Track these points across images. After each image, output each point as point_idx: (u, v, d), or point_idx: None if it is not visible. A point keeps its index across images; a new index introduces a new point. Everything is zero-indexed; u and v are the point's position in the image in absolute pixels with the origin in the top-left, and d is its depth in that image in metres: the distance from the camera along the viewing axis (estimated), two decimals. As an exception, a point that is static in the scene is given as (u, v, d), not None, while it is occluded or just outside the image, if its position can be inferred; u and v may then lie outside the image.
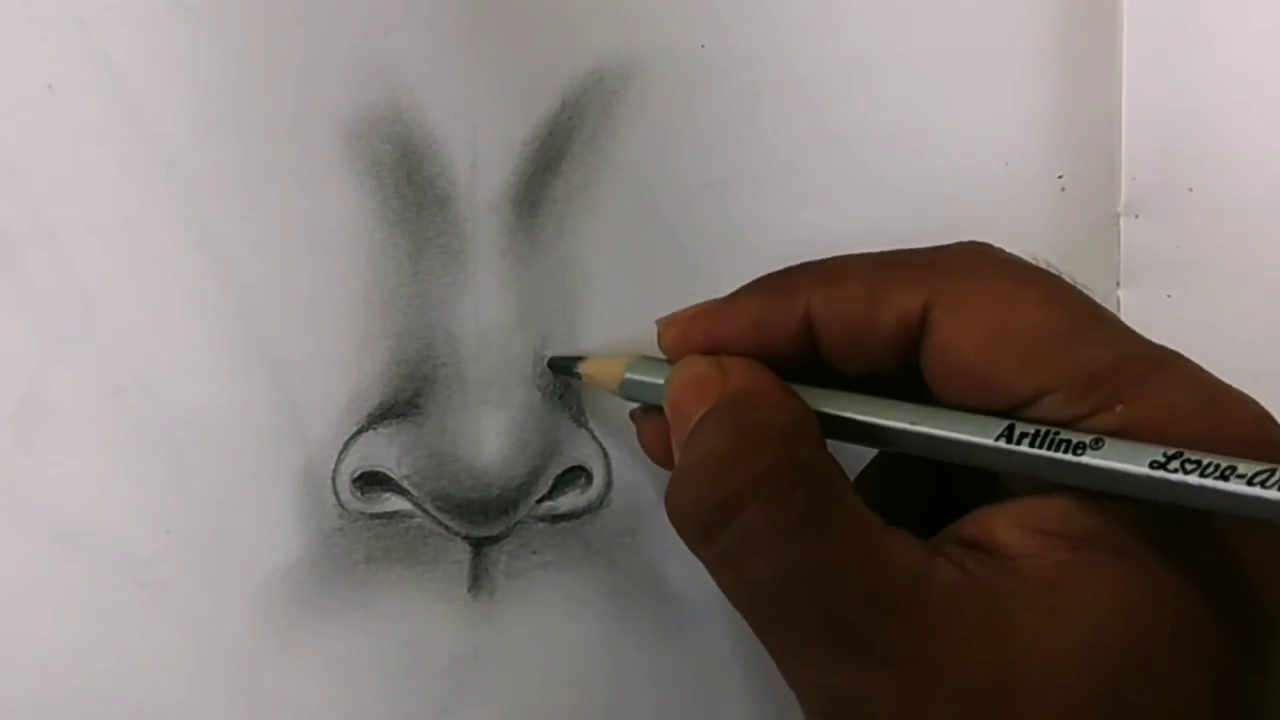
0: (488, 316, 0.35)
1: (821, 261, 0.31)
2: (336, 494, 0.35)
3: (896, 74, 0.38)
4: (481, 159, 0.35)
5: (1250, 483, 0.25)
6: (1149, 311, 0.39)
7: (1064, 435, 0.27)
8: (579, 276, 0.36)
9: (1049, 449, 0.27)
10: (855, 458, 0.32)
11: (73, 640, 0.34)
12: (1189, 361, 0.29)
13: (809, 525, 0.27)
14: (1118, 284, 0.40)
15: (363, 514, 0.35)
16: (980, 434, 0.28)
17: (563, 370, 0.35)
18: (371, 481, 0.35)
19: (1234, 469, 0.25)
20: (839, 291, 0.30)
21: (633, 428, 0.34)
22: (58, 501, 0.33)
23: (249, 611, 0.34)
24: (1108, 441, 0.26)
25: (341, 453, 0.35)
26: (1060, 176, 0.38)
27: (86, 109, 0.33)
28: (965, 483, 0.30)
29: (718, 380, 0.30)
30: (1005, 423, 0.28)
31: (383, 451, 0.35)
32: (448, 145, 0.35)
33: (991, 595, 0.26)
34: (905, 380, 0.30)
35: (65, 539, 0.33)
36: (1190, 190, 0.39)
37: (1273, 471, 0.25)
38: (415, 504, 0.35)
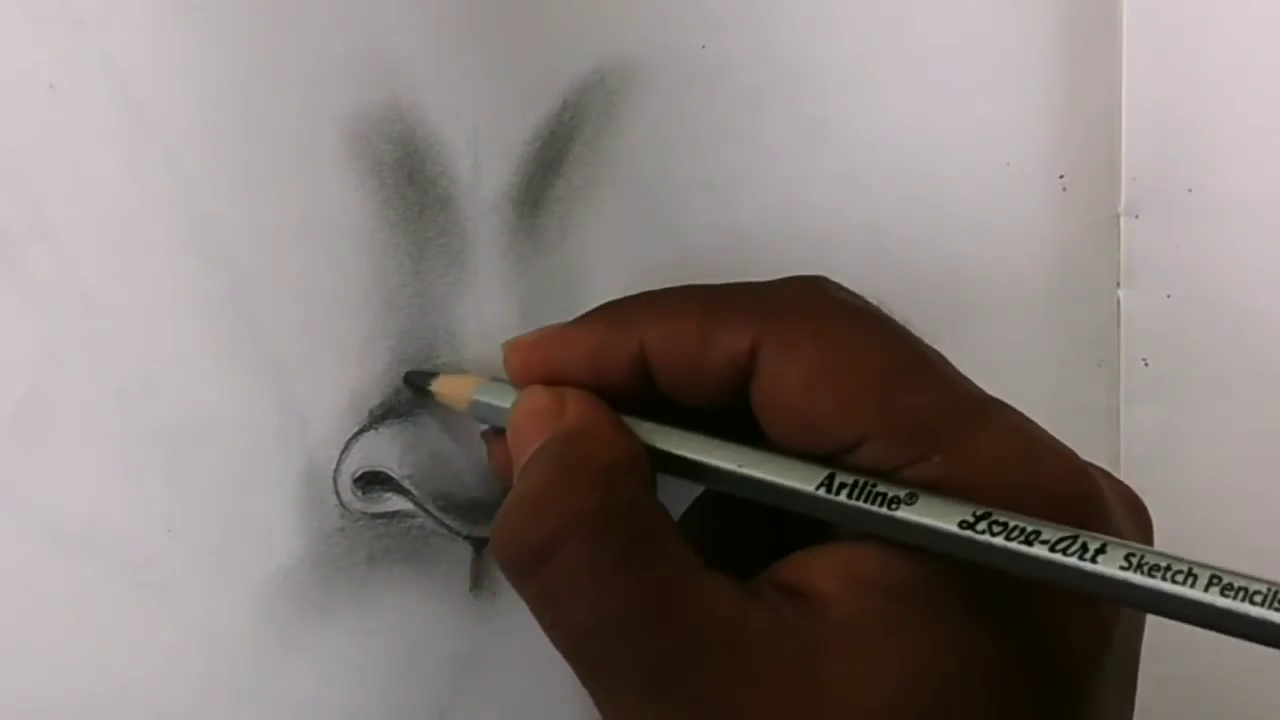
0: (489, 316, 0.35)
1: (658, 293, 0.31)
2: (338, 494, 0.35)
3: (896, 74, 0.38)
4: (483, 159, 0.35)
5: (1053, 549, 0.25)
6: (1149, 311, 0.39)
7: (880, 488, 0.27)
8: (580, 276, 0.36)
9: (865, 501, 0.27)
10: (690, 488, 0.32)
11: (73, 640, 0.34)
12: (1012, 411, 0.29)
13: (624, 569, 0.27)
14: (1118, 284, 0.40)
15: (364, 514, 0.35)
16: (802, 481, 0.28)
17: (416, 386, 0.35)
18: (373, 481, 0.35)
19: (1038, 534, 0.25)
20: (672, 327, 0.30)
21: None
22: (58, 501, 0.33)
23: (250, 611, 0.34)
24: (921, 497, 0.27)
25: (343, 453, 0.35)
26: (1061, 176, 0.39)
27: (87, 109, 0.32)
28: (794, 521, 0.30)
29: (554, 413, 0.30)
30: (826, 471, 0.28)
31: (384, 451, 0.35)
32: (449, 145, 0.35)
33: (804, 642, 0.26)
34: (740, 414, 0.30)
35: (65, 539, 0.33)
36: (1190, 190, 0.39)
37: (1074, 538, 0.25)
38: (417, 504, 0.35)
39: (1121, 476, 0.37)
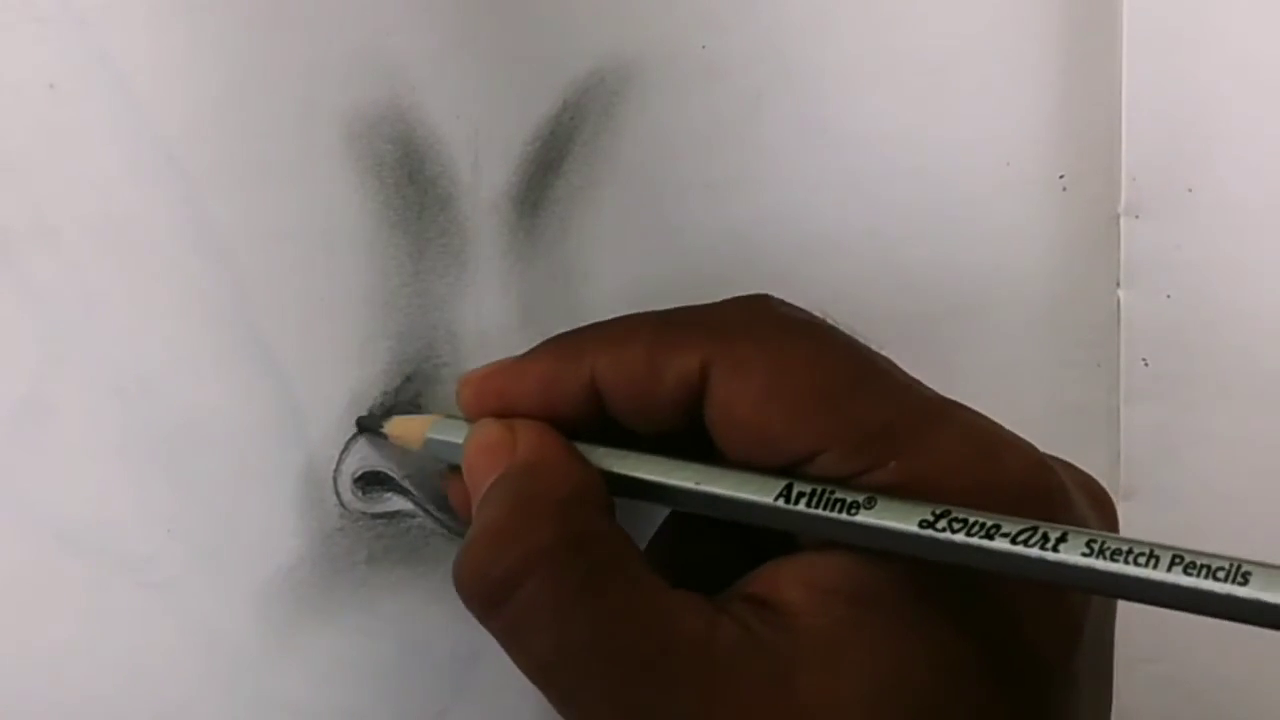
0: (489, 316, 0.35)
1: (607, 323, 0.31)
2: (338, 494, 0.35)
3: (896, 74, 0.38)
4: (483, 159, 0.35)
5: (1014, 541, 0.25)
6: (1149, 311, 0.39)
7: (839, 494, 0.27)
8: (580, 276, 0.36)
9: (824, 508, 0.27)
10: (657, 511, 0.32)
11: (73, 640, 0.34)
12: (968, 411, 0.29)
13: (587, 598, 0.27)
14: (1118, 284, 0.40)
15: (364, 514, 0.35)
16: (760, 493, 0.28)
17: (370, 430, 0.35)
18: (373, 481, 0.35)
19: (998, 527, 0.25)
20: (621, 354, 0.30)
21: None
22: (58, 502, 0.33)
23: (250, 611, 0.34)
24: (880, 500, 0.27)
25: (343, 453, 0.35)
26: (1061, 176, 0.39)
27: (88, 109, 0.32)
28: (762, 536, 0.30)
29: (508, 446, 0.30)
30: (784, 482, 0.28)
31: (384, 451, 0.35)
32: (449, 145, 0.35)
33: (774, 655, 0.26)
34: (696, 437, 0.30)
35: (66, 539, 0.33)
36: (1190, 190, 0.39)
37: (1035, 529, 0.25)
38: (417, 504, 0.35)
39: (1121, 476, 0.37)
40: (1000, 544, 0.25)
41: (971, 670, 0.26)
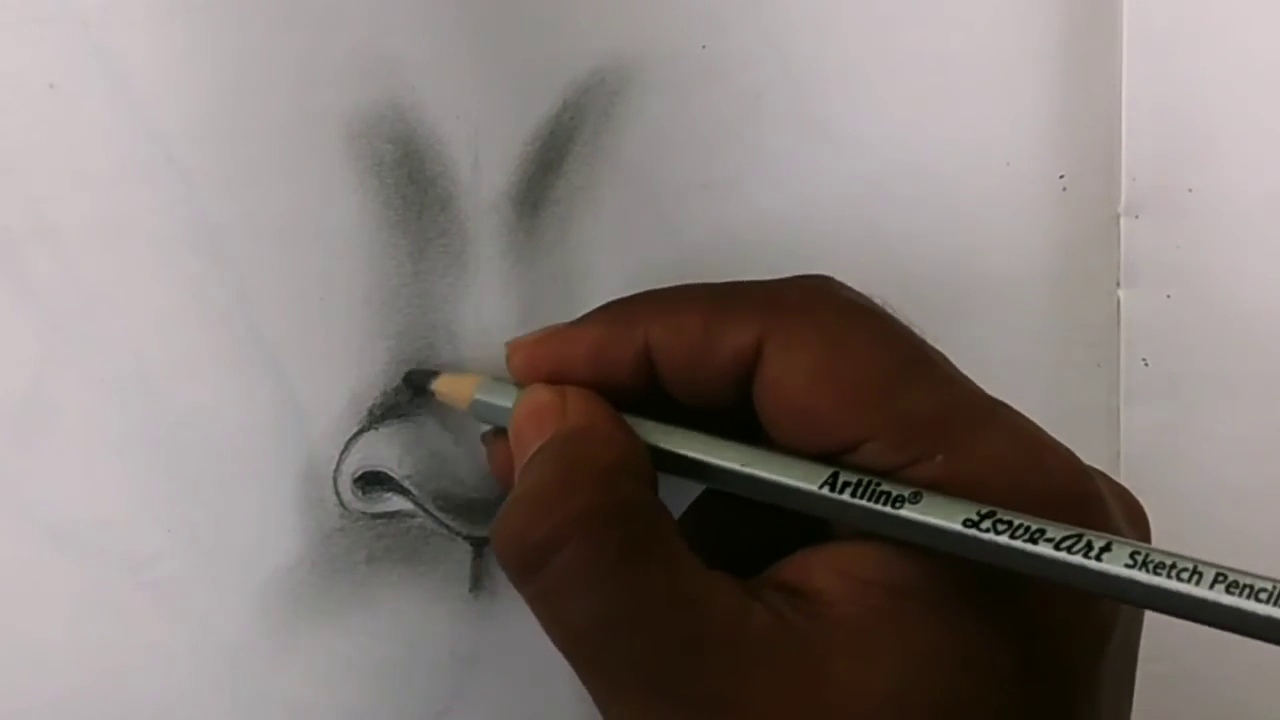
0: (489, 316, 0.35)
1: (663, 291, 0.31)
2: (338, 493, 0.35)
3: (896, 74, 0.38)
4: (483, 159, 0.35)
5: (1058, 547, 0.25)
6: (1149, 311, 0.39)
7: (884, 487, 0.27)
8: (580, 276, 0.36)
9: (869, 499, 0.27)
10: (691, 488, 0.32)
11: (73, 640, 0.34)
12: (1013, 411, 0.29)
13: (625, 567, 0.27)
14: (1118, 284, 0.40)
15: (364, 514, 0.35)
16: (806, 480, 0.28)
17: (416, 385, 0.34)
18: (373, 481, 0.35)
19: (1043, 532, 0.26)
20: (676, 322, 0.30)
21: None
22: (58, 501, 0.33)
23: (250, 611, 0.34)
24: (925, 496, 0.27)
25: (343, 452, 0.35)
26: (1061, 176, 0.39)
27: (88, 108, 0.32)
28: (793, 521, 0.30)
29: (557, 411, 0.30)
30: (830, 470, 0.28)
31: (384, 451, 0.35)
32: (449, 145, 0.35)
33: (806, 641, 0.26)
34: (744, 414, 0.30)
35: (65, 539, 0.33)
36: (1190, 190, 0.39)
37: (1080, 536, 0.25)
38: (417, 504, 0.35)
39: (1121, 476, 0.37)
40: (1044, 549, 0.25)
41: (1001, 670, 0.26)
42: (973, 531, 0.26)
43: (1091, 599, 0.27)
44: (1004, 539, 0.26)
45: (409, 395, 0.35)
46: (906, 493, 0.27)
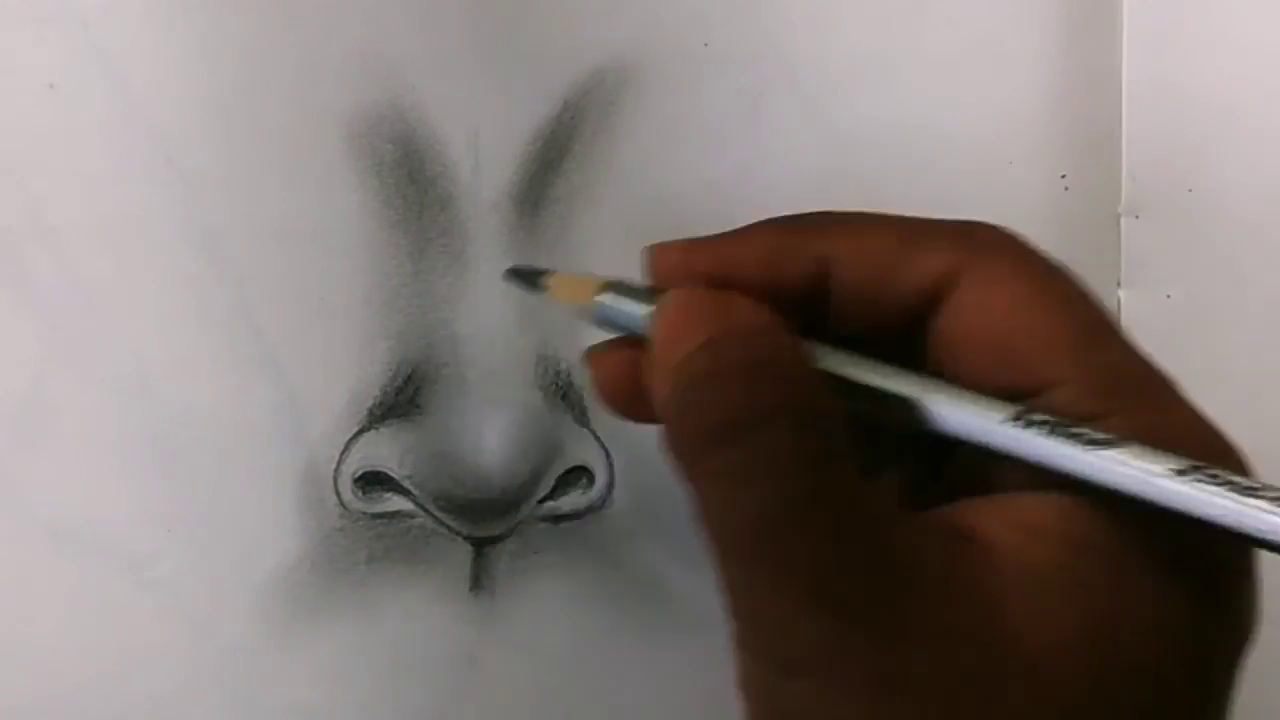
0: (489, 316, 0.35)
1: (843, 211, 0.30)
2: (338, 493, 0.35)
3: (897, 74, 0.38)
4: (483, 159, 0.35)
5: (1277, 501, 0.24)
6: (1149, 311, 0.39)
7: (1078, 429, 0.25)
8: (580, 276, 0.36)
9: (1062, 439, 0.26)
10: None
11: (73, 640, 0.34)
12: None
13: (825, 462, 0.25)
14: (1118, 284, 0.40)
15: (364, 514, 0.35)
16: (993, 414, 0.26)
17: (524, 281, 0.31)
18: (373, 481, 0.35)
19: (1257, 490, 0.24)
20: (867, 239, 0.28)
21: (638, 429, 0.31)
22: (57, 500, 0.33)
23: (249, 611, 0.34)
24: (1127, 443, 0.25)
25: (343, 452, 0.35)
26: (1063, 176, 0.39)
27: (88, 109, 0.32)
28: (939, 469, 0.29)
29: (723, 311, 0.28)
30: (1018, 407, 0.26)
31: (384, 451, 0.35)
32: (450, 145, 0.35)
33: (982, 584, 0.25)
34: (903, 349, 0.28)
35: (66, 538, 0.33)
36: (1190, 190, 0.39)
37: None
38: (417, 504, 0.35)
39: (1122, 477, 0.37)
40: (1261, 504, 0.23)
41: (1176, 630, 0.25)
42: (1176, 483, 0.24)
43: (1254, 582, 0.26)
44: (1216, 491, 0.24)
45: (409, 395, 0.35)
46: (1104, 436, 0.25)
